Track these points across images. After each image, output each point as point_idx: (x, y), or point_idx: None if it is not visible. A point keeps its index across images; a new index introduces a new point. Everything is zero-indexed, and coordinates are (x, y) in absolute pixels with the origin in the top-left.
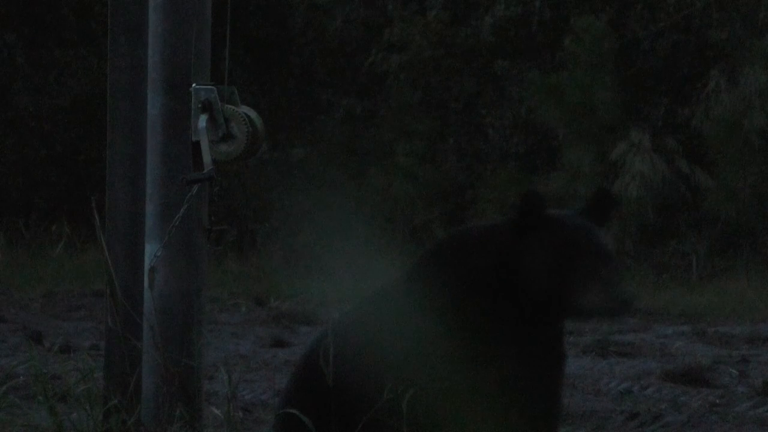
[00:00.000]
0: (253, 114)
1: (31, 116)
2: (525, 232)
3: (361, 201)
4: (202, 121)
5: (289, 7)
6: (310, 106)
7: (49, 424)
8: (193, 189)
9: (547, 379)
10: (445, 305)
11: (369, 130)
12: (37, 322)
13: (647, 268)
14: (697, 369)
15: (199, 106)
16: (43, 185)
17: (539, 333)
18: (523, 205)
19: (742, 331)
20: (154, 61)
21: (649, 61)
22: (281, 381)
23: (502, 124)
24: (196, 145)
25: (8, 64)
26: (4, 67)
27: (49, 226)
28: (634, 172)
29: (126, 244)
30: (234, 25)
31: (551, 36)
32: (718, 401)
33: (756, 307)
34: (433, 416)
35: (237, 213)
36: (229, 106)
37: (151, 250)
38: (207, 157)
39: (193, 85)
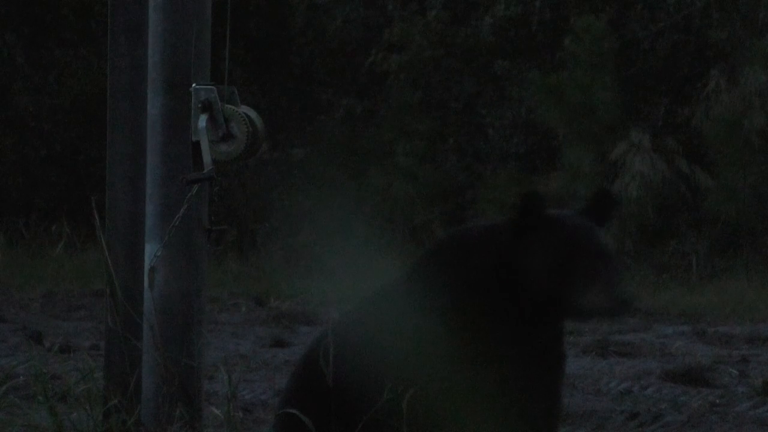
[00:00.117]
0: (253, 114)
1: (31, 116)
2: (525, 232)
3: (361, 201)
4: (202, 121)
5: (289, 7)
6: (310, 106)
7: (49, 424)
8: (193, 189)
9: (547, 379)
10: (445, 305)
11: (369, 130)
12: (37, 322)
13: (647, 268)
14: (697, 369)
15: (199, 106)
16: (43, 185)
17: (539, 333)
18: (523, 205)
19: (742, 331)
20: (154, 61)
21: (649, 61)
22: (281, 381)
23: (502, 124)
24: (196, 145)
25: (8, 64)
26: (4, 67)
27: (49, 226)
28: (634, 172)
29: (126, 244)
30: (234, 25)
31: (551, 36)
32: (718, 401)
33: (756, 307)
34: (433, 416)
35: (237, 213)
36: (229, 106)
37: (151, 250)
38: (207, 157)
39: (193, 85)
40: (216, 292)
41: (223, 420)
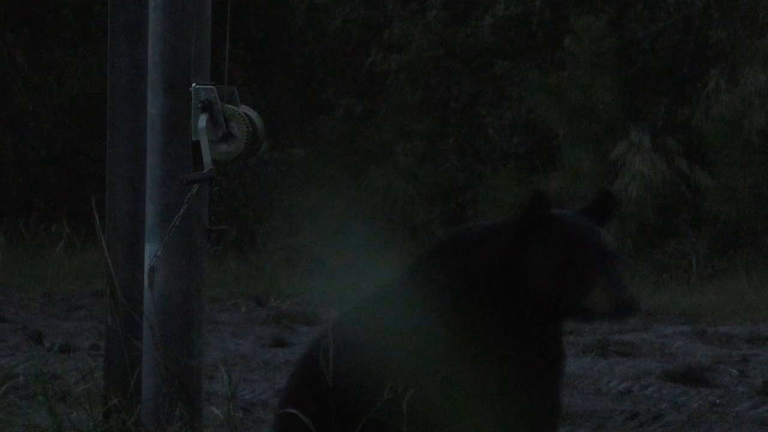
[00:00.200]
0: (253, 114)
1: (31, 116)
2: (526, 232)
3: (361, 201)
4: (202, 121)
5: (289, 7)
6: (310, 106)
7: (49, 424)
8: (193, 189)
9: (547, 379)
10: (445, 305)
11: (369, 130)
12: (37, 322)
13: (647, 268)
14: (697, 369)
15: (199, 105)
16: (43, 185)
17: (539, 333)
18: (530, 203)
19: (742, 331)
20: (154, 61)
21: (649, 61)
22: (281, 381)
23: (502, 124)
24: (196, 145)
25: (8, 64)
26: (4, 67)
27: (49, 226)
28: (634, 172)
29: (126, 244)
30: (234, 25)
31: (551, 36)
32: (718, 401)
33: (756, 307)
34: (433, 416)
35: (237, 213)
36: (229, 105)
37: (151, 250)
38: (207, 157)
39: (193, 84)
40: (216, 292)
41: (223, 420)
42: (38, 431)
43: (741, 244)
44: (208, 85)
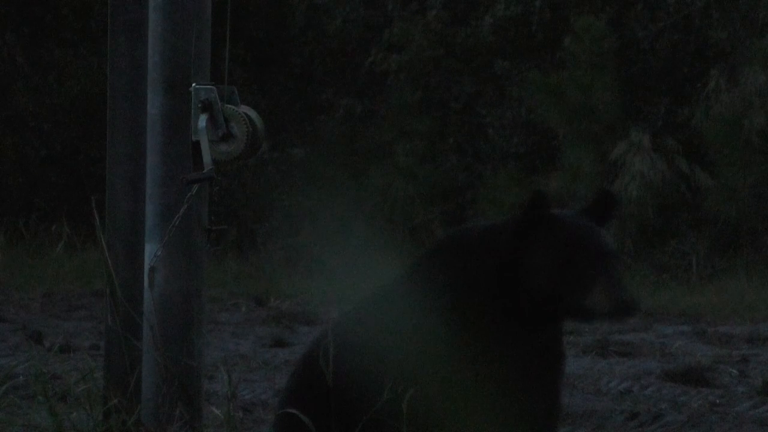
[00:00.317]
0: (253, 114)
1: (31, 116)
2: (527, 232)
3: (361, 201)
4: (202, 121)
5: (289, 7)
6: (310, 106)
7: (49, 424)
8: (193, 189)
9: (547, 379)
10: (445, 305)
11: (369, 130)
12: (37, 322)
13: (647, 268)
14: (697, 369)
15: (199, 105)
16: (43, 185)
17: (539, 333)
18: (530, 203)
19: (742, 331)
20: (154, 61)
21: (649, 61)
22: (281, 381)
23: (502, 124)
24: (196, 145)
25: (8, 64)
26: (4, 67)
27: (49, 226)
28: (634, 172)
29: (126, 244)
30: (234, 25)
31: (551, 36)
32: (718, 401)
33: (756, 307)
34: (433, 416)
35: (237, 213)
36: (229, 105)
37: (151, 250)
38: (207, 157)
39: (193, 84)
40: (216, 292)
41: (223, 420)
42: (38, 431)
43: (741, 244)
44: (208, 85)
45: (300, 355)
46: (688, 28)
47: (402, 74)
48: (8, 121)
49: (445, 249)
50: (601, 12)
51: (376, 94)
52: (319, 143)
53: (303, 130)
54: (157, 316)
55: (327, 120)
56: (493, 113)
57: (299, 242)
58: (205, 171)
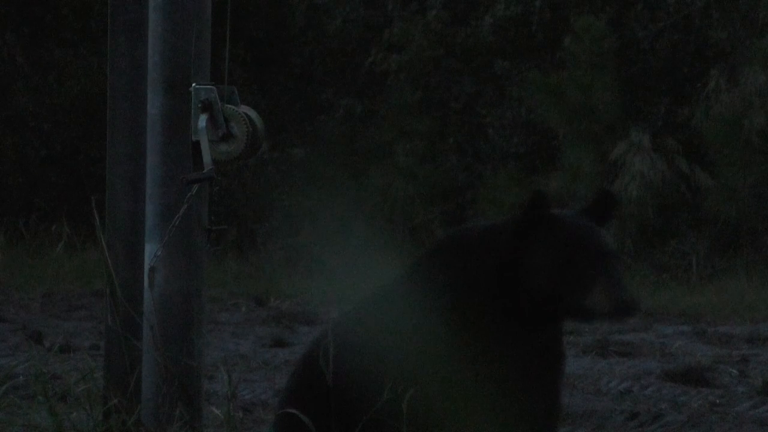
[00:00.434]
0: (253, 114)
1: (31, 116)
2: (527, 232)
3: (361, 201)
4: (202, 121)
5: (289, 7)
6: (310, 106)
7: (49, 424)
8: (193, 189)
9: (547, 379)
10: (445, 305)
11: (369, 130)
12: (37, 322)
13: (647, 268)
14: (697, 369)
15: (199, 105)
16: (43, 185)
17: (539, 333)
18: (530, 203)
19: (742, 331)
20: (154, 61)
21: (649, 61)
22: (281, 381)
23: (502, 124)
24: (196, 145)
25: (8, 64)
26: (4, 67)
27: (49, 226)
28: (634, 172)
29: (126, 244)
30: (234, 25)
31: (551, 36)
32: (718, 401)
33: (756, 307)
34: (433, 416)
35: (237, 213)
36: (229, 105)
37: (151, 250)
38: (207, 157)
39: (193, 84)
40: (216, 292)
41: (223, 420)
42: (38, 431)
43: (741, 244)
44: (208, 85)
45: (300, 355)
46: (688, 28)
47: (402, 74)
48: (8, 121)
49: (445, 249)
50: (601, 12)
51: (376, 94)
52: (319, 143)
53: (303, 130)
54: (157, 316)
55: (327, 120)
56: (493, 113)
57: (299, 242)
58: (205, 171)
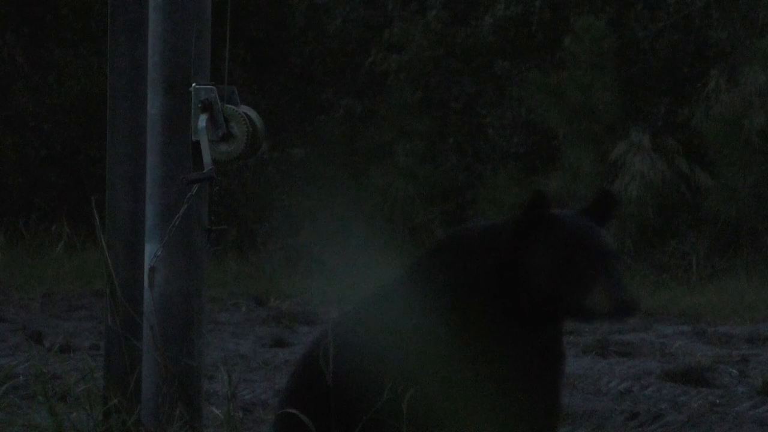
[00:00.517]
0: (253, 114)
1: (31, 116)
2: (527, 231)
3: (361, 201)
4: (202, 121)
5: (289, 7)
6: (310, 106)
7: (49, 424)
8: (193, 189)
9: (547, 379)
10: (445, 305)
11: (369, 130)
12: (37, 322)
13: (647, 268)
14: (697, 369)
15: (199, 105)
16: (43, 185)
17: (539, 333)
18: (530, 202)
19: (742, 331)
20: (154, 61)
21: (649, 61)
22: (281, 381)
23: (502, 124)
24: (196, 145)
25: (8, 64)
26: (4, 67)
27: (49, 226)
28: (634, 172)
29: (126, 244)
30: (234, 25)
31: (551, 36)
32: (718, 401)
33: (756, 307)
34: (433, 416)
35: (237, 213)
36: (229, 105)
37: (151, 250)
38: (207, 157)
39: (193, 84)
40: (216, 292)
41: (223, 420)
42: (38, 431)
43: (741, 244)
44: (208, 85)
45: (300, 355)
46: (688, 28)
47: (402, 74)
48: (8, 121)
49: (445, 249)
50: (601, 12)
51: (376, 94)
52: (319, 143)
53: (303, 130)
54: (157, 316)
55: (327, 120)
56: (493, 113)
57: (299, 242)
58: (205, 171)
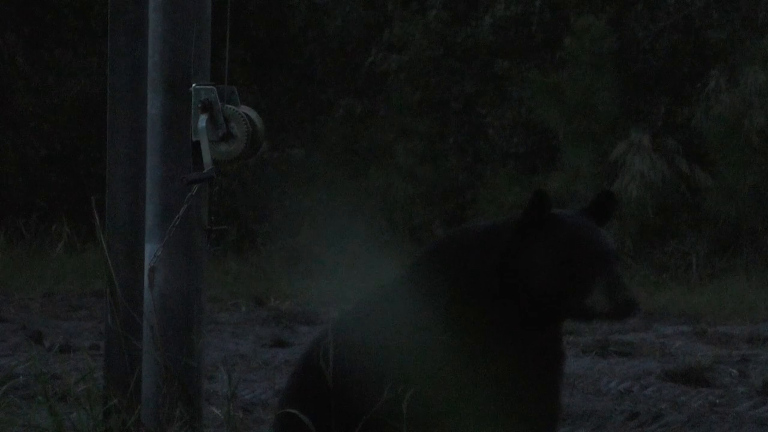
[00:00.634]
0: (253, 114)
1: (31, 116)
2: (528, 232)
3: (361, 201)
4: (202, 121)
5: (289, 7)
6: (310, 106)
7: (49, 424)
8: (193, 189)
9: (546, 379)
10: (445, 305)
11: (369, 130)
12: (37, 322)
13: (647, 268)
14: (697, 369)
15: (199, 106)
16: (43, 185)
17: (539, 333)
18: (530, 203)
19: (742, 331)
20: (154, 61)
21: (649, 61)
22: (281, 381)
23: (502, 124)
24: (196, 145)
25: (8, 64)
26: (4, 67)
27: (49, 226)
28: (634, 172)
29: (126, 244)
30: (234, 25)
31: (551, 36)
32: (718, 401)
33: (756, 307)
34: (432, 416)
35: (237, 213)
36: (229, 106)
37: (151, 250)
38: (207, 157)
39: (193, 85)
40: (216, 292)
41: (223, 420)
42: (38, 431)
43: (741, 244)
44: (208, 85)
45: (300, 355)
46: (688, 28)
47: (402, 74)
48: (8, 121)
49: (445, 249)
50: (601, 12)
51: (376, 94)
52: (319, 143)
53: (303, 130)
54: (157, 316)
55: (327, 120)
56: (493, 113)
57: (299, 242)
58: (205, 171)
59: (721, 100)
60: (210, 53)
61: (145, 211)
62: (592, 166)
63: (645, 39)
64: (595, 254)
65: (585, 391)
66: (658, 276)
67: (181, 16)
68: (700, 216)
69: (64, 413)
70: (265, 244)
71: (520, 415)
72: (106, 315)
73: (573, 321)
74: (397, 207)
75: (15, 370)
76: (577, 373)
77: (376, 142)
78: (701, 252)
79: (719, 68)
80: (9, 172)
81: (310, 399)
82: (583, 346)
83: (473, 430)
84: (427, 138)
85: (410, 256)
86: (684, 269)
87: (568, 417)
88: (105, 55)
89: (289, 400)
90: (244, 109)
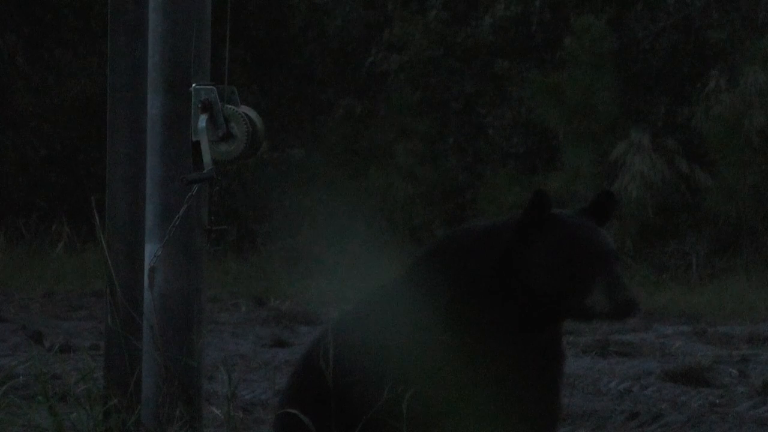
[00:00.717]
0: (253, 114)
1: (31, 116)
2: (528, 232)
3: (361, 201)
4: (202, 121)
5: (289, 7)
6: (310, 106)
7: (49, 424)
8: (193, 189)
9: (547, 379)
10: (445, 305)
11: (369, 130)
12: (37, 322)
13: (647, 268)
14: (697, 369)
15: (199, 106)
16: (43, 185)
17: (539, 333)
18: (530, 203)
19: (742, 331)
20: (154, 61)
21: (649, 61)
22: (281, 381)
23: (502, 124)
24: (196, 145)
25: (8, 64)
26: (4, 67)
27: (49, 226)
28: (634, 172)
29: (126, 244)
30: (234, 25)
31: (551, 36)
32: (718, 401)
33: (756, 307)
34: (433, 416)
35: (237, 213)
36: (229, 106)
37: (151, 250)
38: (207, 157)
39: (193, 85)
40: (216, 292)
41: (223, 420)
42: (38, 431)
43: (741, 244)
44: (208, 85)
45: (300, 355)
46: (688, 28)
47: (402, 74)
48: (8, 121)
49: (445, 249)
50: (601, 12)
51: (376, 94)
52: (319, 143)
53: (303, 130)
54: (157, 316)
55: (327, 120)
56: (493, 113)
57: (299, 242)
58: (205, 171)
59: (721, 100)
60: (210, 53)
61: (145, 211)
62: (592, 166)
63: (645, 39)
64: (595, 254)
65: (585, 391)
66: (658, 276)
67: (181, 16)
68: (700, 216)
69: (64, 413)
70: (265, 244)
71: (520, 415)
72: (106, 315)
73: (573, 321)
74: (397, 207)
75: (15, 370)
76: (577, 373)
77: (376, 142)
78: (701, 252)
79: (719, 68)
80: (9, 172)
81: (310, 399)
82: (583, 346)
83: (473, 430)
84: (427, 138)
85: (410, 256)
86: (684, 269)
87: (568, 417)
88: (105, 55)
89: (289, 400)
90: (244, 109)
